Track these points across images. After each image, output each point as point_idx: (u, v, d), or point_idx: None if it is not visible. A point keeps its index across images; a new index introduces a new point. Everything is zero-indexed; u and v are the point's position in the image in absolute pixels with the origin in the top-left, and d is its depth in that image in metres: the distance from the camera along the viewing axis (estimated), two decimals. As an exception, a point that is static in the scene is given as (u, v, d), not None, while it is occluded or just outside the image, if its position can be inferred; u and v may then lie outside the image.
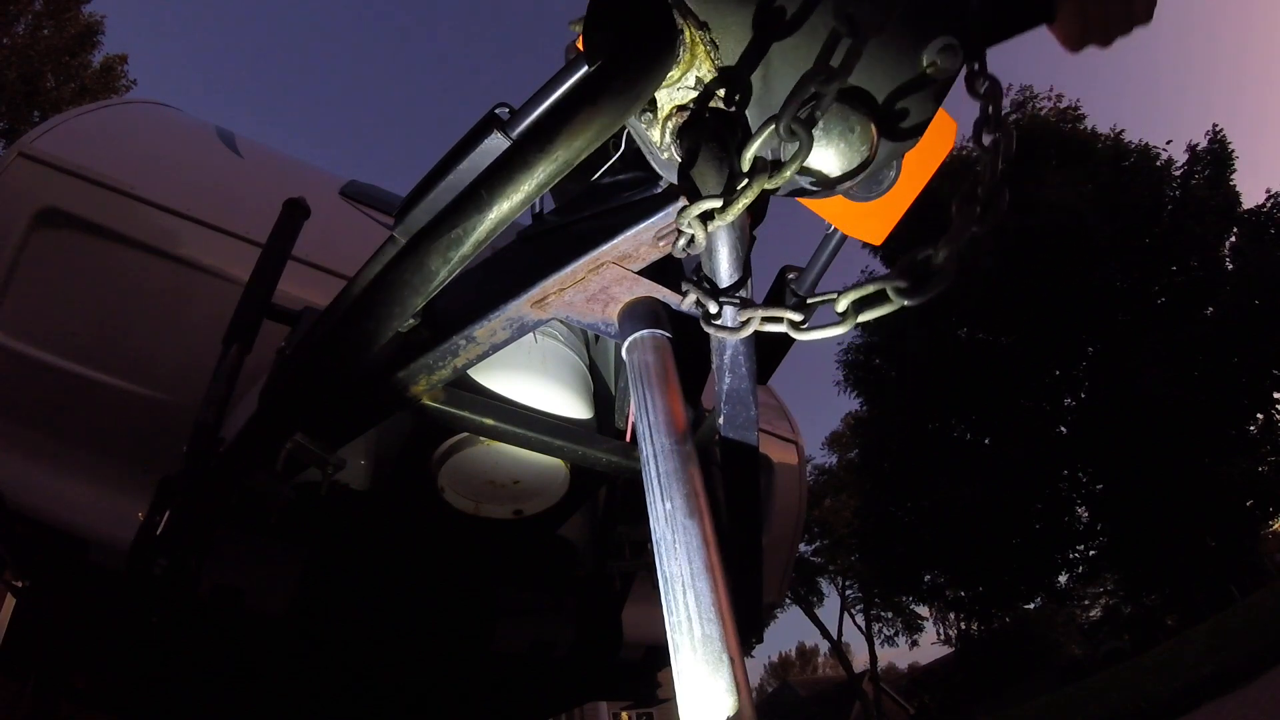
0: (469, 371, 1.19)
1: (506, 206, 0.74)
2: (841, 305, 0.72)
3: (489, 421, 1.24)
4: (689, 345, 1.05)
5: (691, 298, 0.86)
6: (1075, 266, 15.66)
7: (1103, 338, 16.71)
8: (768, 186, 0.69)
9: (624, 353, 0.92)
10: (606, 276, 0.96)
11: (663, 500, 0.70)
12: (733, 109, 0.76)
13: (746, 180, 0.69)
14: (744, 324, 0.82)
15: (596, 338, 1.64)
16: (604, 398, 1.58)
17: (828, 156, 0.72)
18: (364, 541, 1.69)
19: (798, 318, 0.77)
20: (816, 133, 0.68)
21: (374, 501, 1.55)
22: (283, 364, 1.32)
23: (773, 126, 0.66)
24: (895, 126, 0.73)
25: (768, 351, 1.32)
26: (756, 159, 0.69)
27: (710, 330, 0.86)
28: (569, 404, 1.43)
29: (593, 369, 1.62)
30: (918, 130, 0.74)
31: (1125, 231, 15.98)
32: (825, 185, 0.75)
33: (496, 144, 0.85)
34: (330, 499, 1.27)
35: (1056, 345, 16.84)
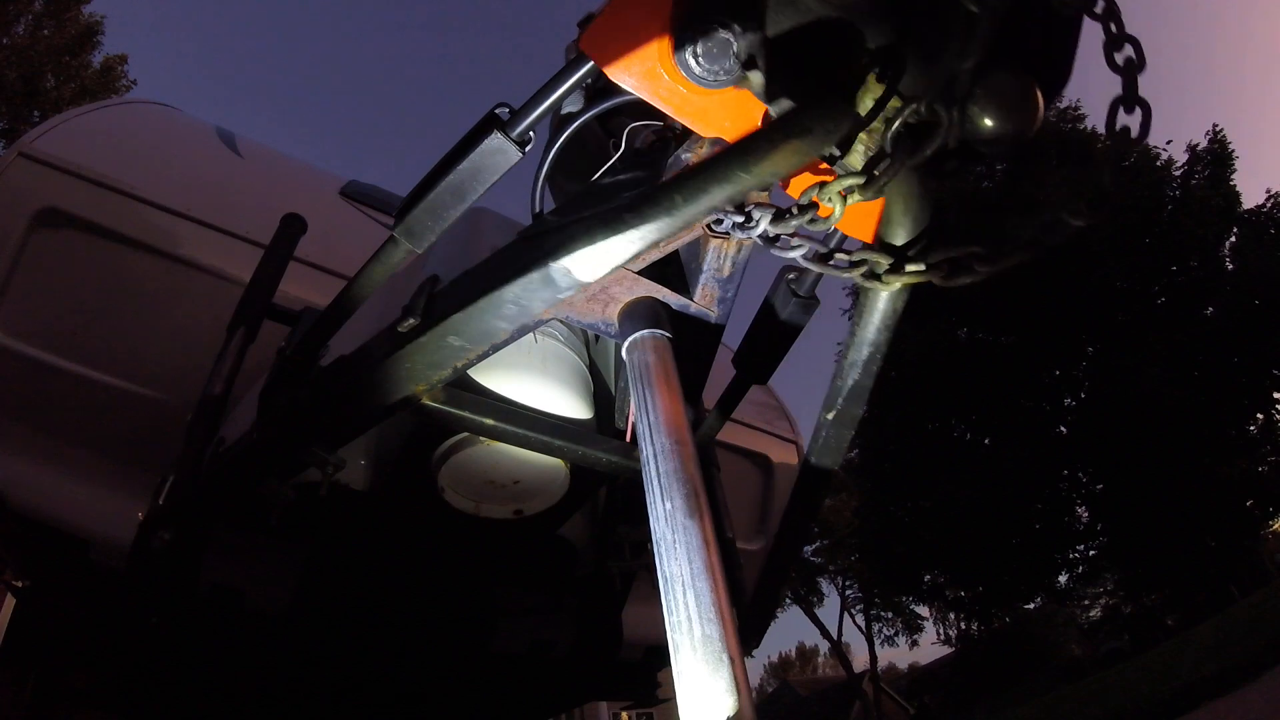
0: (469, 371, 1.18)
1: (692, 212, 0.75)
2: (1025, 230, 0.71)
3: (489, 421, 1.24)
4: (689, 345, 1.04)
5: (864, 267, 0.82)
6: (1075, 266, 15.65)
7: (1103, 338, 16.71)
8: (910, 163, 0.69)
9: (624, 353, 0.91)
10: (607, 277, 0.95)
11: (663, 500, 0.69)
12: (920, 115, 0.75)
13: (890, 158, 0.69)
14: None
15: (596, 338, 1.64)
16: (604, 398, 1.58)
17: (989, 121, 0.70)
18: (364, 541, 1.69)
19: (983, 252, 0.75)
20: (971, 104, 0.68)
21: (374, 501, 1.55)
22: (281, 365, 1.32)
23: (912, 106, 0.66)
24: (1044, 72, 0.72)
25: (768, 350, 1.32)
26: (899, 138, 0.69)
27: (901, 280, 0.82)
28: (569, 404, 1.43)
29: (593, 369, 1.61)
30: (1066, 69, 0.74)
31: (1125, 231, 15.98)
32: (1000, 144, 0.73)
33: (496, 144, 0.85)
34: (330, 499, 1.27)
35: (1056, 345, 16.84)
